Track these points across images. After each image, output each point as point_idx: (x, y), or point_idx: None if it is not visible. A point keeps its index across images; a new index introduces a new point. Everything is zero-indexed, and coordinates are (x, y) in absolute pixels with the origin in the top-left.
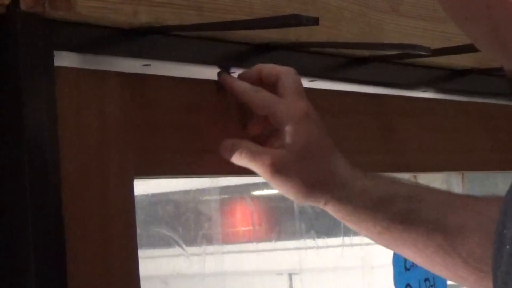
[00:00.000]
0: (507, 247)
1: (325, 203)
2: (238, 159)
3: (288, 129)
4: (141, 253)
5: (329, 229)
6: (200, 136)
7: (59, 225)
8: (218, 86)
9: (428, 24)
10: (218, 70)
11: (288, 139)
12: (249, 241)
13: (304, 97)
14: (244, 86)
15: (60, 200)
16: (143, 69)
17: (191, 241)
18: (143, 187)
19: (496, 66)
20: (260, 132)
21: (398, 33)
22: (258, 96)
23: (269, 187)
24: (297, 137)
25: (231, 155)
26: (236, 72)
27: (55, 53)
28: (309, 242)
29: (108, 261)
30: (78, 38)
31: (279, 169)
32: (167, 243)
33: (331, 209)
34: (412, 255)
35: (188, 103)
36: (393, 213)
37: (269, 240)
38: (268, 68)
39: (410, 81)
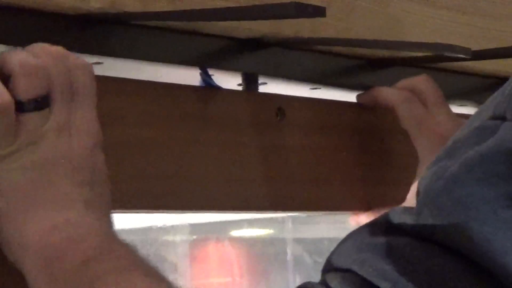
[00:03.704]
0: None
1: None
2: None
3: None
4: None
5: None
6: (168, 158)
7: None
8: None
9: (468, 18)
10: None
11: None
12: None
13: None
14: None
15: None
16: (93, 68)
17: None
18: None
19: None
20: None
21: (427, 28)
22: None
23: (252, 226)
24: None
25: None
26: (215, 75)
27: None
28: None
29: None
30: (10, 26)
31: None
32: None
33: None
34: None
35: (153, 114)
36: None
37: None
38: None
39: (442, 91)
